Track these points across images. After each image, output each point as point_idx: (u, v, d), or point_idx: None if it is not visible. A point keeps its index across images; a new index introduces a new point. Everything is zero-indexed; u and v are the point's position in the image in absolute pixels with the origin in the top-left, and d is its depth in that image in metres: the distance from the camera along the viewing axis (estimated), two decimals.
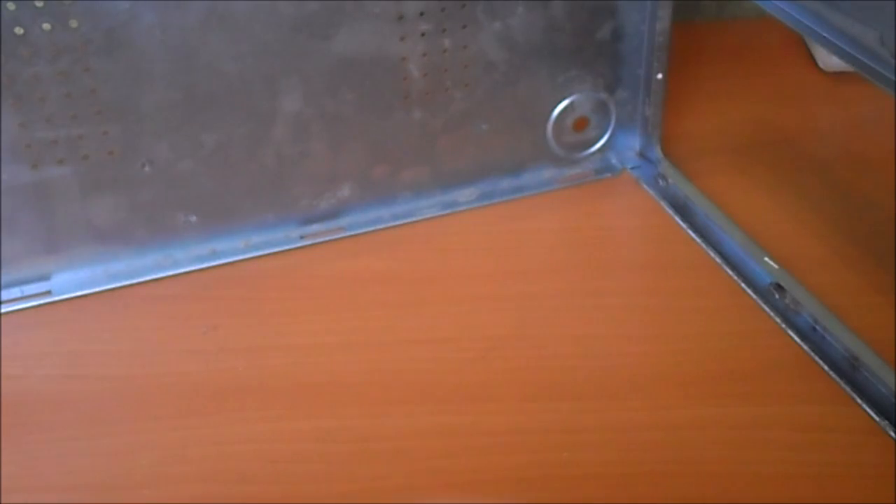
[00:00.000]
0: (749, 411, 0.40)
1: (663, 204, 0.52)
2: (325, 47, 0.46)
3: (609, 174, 0.55)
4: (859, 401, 0.40)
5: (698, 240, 0.50)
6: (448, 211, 0.52)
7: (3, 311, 0.46)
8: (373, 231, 0.51)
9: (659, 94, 0.53)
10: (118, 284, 0.48)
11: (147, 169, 0.46)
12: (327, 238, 0.51)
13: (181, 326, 0.45)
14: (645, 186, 0.54)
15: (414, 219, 0.52)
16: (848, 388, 0.40)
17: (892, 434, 0.38)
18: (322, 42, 0.46)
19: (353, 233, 0.51)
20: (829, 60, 0.62)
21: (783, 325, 0.44)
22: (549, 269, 0.48)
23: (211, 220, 0.49)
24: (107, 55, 0.43)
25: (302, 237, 0.50)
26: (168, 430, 0.40)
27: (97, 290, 0.47)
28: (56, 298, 0.47)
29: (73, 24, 0.42)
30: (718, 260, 0.48)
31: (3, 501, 0.38)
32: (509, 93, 0.51)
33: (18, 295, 0.47)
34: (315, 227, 0.51)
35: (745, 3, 0.69)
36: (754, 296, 0.46)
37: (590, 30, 0.51)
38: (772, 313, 0.45)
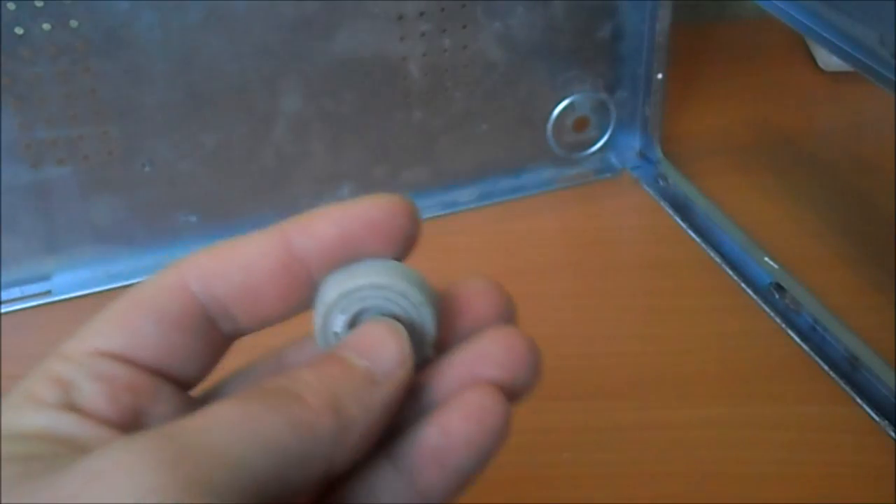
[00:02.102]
0: (749, 411, 0.40)
1: (663, 204, 0.52)
2: (325, 47, 0.46)
3: (609, 174, 0.55)
4: (859, 401, 0.40)
5: (698, 240, 0.50)
6: (448, 211, 0.52)
7: (3, 311, 0.46)
8: None
9: (659, 94, 0.53)
10: (118, 284, 0.48)
11: (147, 169, 0.46)
12: None
13: None
14: (645, 186, 0.54)
15: None
16: (848, 388, 0.40)
17: (892, 434, 0.38)
18: (322, 42, 0.46)
19: None
20: (829, 60, 0.62)
21: (783, 325, 0.44)
22: (549, 269, 0.48)
23: (211, 220, 0.49)
24: (107, 55, 0.43)
25: None
26: None
27: (97, 290, 0.47)
28: (56, 298, 0.47)
29: (73, 24, 0.42)
30: (718, 260, 0.48)
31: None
32: (509, 93, 0.51)
33: (18, 295, 0.47)
34: None
35: (745, 3, 0.69)
36: (754, 296, 0.46)
37: (590, 30, 0.51)
38: (772, 313, 0.45)
